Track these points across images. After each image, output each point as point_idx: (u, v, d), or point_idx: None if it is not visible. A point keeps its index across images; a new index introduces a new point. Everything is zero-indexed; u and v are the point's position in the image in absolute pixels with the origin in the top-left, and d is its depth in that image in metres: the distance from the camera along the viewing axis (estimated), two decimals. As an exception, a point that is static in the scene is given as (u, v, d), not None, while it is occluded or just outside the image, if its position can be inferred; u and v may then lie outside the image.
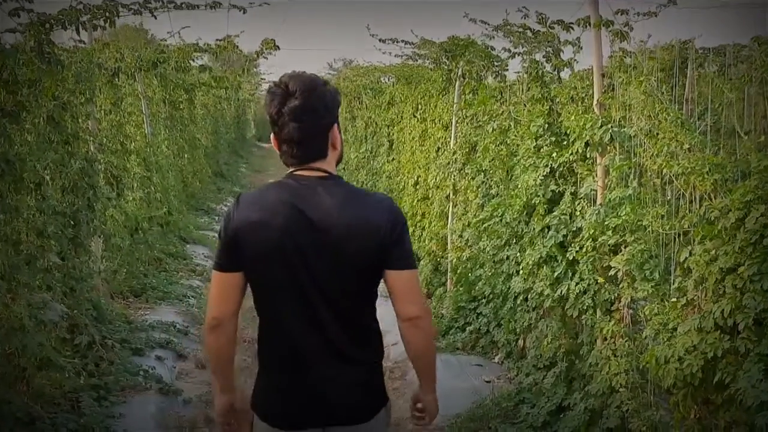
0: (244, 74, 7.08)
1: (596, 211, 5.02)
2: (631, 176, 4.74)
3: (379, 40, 8.06)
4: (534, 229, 5.94)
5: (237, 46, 7.02)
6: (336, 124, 2.66)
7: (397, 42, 8.07)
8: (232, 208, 2.63)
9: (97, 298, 7.35)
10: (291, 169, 2.63)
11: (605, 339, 5.04)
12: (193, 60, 7.13)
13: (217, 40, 6.93)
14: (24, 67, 5.40)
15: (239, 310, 2.64)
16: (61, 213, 6.41)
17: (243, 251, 2.56)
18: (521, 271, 6.07)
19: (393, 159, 12.37)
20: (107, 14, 5.32)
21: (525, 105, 6.24)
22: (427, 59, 8.66)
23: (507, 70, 7.10)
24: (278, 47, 7.05)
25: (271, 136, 2.65)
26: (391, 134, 12.67)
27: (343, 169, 17.21)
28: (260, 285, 2.62)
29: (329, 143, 2.63)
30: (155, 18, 5.53)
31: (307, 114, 2.53)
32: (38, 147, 6.05)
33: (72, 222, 6.65)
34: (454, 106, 8.27)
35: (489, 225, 6.78)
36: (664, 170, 4.32)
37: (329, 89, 2.61)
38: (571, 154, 5.42)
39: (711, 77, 5.35)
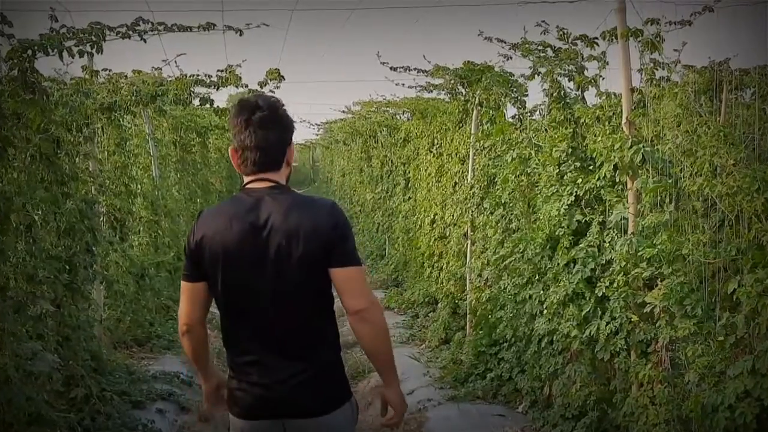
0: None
1: (628, 241, 4.63)
2: (667, 200, 4.29)
3: (390, 68, 7.69)
4: (558, 264, 5.56)
5: (240, 78, 6.64)
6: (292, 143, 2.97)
7: (409, 70, 7.68)
8: (194, 224, 2.92)
9: (97, 348, 6.98)
10: (245, 181, 2.89)
11: (641, 385, 4.64)
12: (193, 95, 6.74)
13: (218, 70, 6.57)
14: (9, 98, 5.08)
15: (206, 316, 2.95)
16: (55, 257, 6.06)
17: (203, 262, 2.82)
18: (545, 311, 5.70)
19: (409, 198, 12.11)
20: (93, 38, 4.95)
21: (546, 130, 5.82)
22: (442, 90, 8.27)
23: (527, 95, 6.68)
24: (283, 77, 6.69)
25: (230, 149, 2.92)
26: (407, 172, 12.44)
27: (360, 210, 16.95)
28: (218, 292, 2.84)
29: (285, 157, 2.90)
30: (144, 42, 5.16)
31: (273, 124, 2.84)
32: (28, 186, 5.70)
33: (68, 267, 6.28)
34: (471, 137, 7.95)
35: (510, 262, 6.43)
36: (706, 191, 3.89)
37: (289, 116, 2.94)
38: (598, 179, 5.08)
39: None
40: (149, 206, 9.86)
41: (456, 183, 8.81)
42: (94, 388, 6.24)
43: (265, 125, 2.81)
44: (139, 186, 9.38)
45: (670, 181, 4.30)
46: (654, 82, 4.50)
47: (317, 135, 26.86)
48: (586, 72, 5.32)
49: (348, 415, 2.89)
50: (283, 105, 2.91)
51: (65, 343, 6.10)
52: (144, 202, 9.68)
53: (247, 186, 2.86)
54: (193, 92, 6.70)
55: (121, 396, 6.50)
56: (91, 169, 7.26)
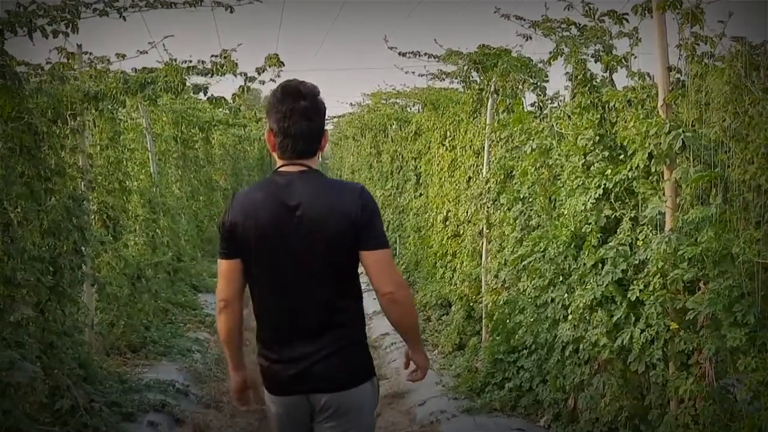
0: (243, 94, 6.17)
1: (666, 239, 4.10)
2: (714, 191, 3.75)
3: (399, 54, 7.22)
4: (585, 264, 5.06)
5: (236, 64, 6.15)
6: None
7: (419, 56, 7.20)
8: (228, 204, 3.07)
9: (86, 355, 6.58)
10: (278, 164, 3.03)
11: (682, 401, 4.17)
12: (187, 83, 6.25)
13: (212, 56, 6.08)
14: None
15: (243, 293, 3.07)
16: (38, 258, 5.64)
17: (237, 240, 2.97)
18: (570, 317, 5.21)
19: (420, 194, 11.71)
20: (67, 16, 4.47)
21: (569, 116, 5.32)
22: (455, 78, 7.79)
23: (547, 80, 6.19)
24: (282, 63, 6.21)
25: (267, 132, 3.05)
26: (418, 167, 12.03)
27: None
28: (251, 269, 3.00)
29: (319, 144, 3.05)
30: (124, 20, 4.68)
31: (315, 114, 2.99)
32: (5, 181, 5.30)
33: (52, 268, 5.87)
34: (487, 127, 7.49)
35: (529, 262, 5.92)
36: (761, 180, 3.35)
37: (324, 103, 3.05)
38: (630, 169, 4.56)
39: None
40: (146, 204, 9.44)
41: (470, 177, 8.40)
42: (81, 398, 5.87)
43: (308, 115, 2.95)
44: (135, 183, 8.97)
45: (716, 170, 3.77)
46: (695, 58, 3.98)
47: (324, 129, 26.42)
48: (614, 51, 4.80)
49: (369, 392, 3.05)
50: (319, 92, 3.03)
51: (49, 351, 5.74)
52: (141, 199, 9.25)
53: (280, 169, 3.01)
54: (186, 80, 6.21)
55: (110, 407, 6.13)
56: (80, 165, 6.85)
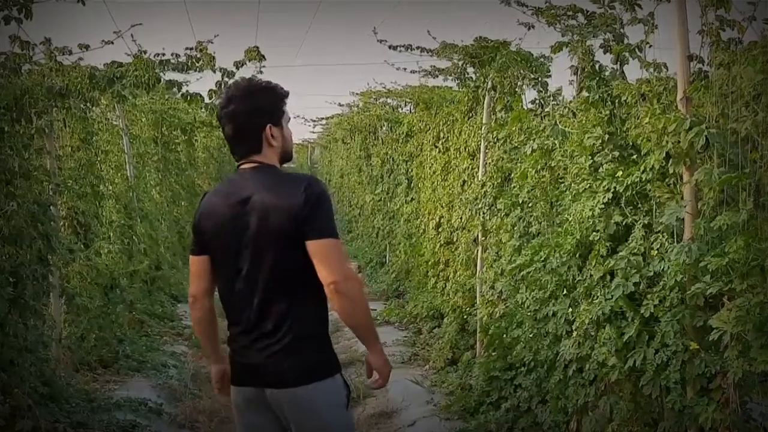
0: (221, 90, 5.79)
1: (686, 249, 3.70)
2: (743, 195, 3.33)
3: (389, 47, 6.84)
4: (591, 276, 4.66)
5: (214, 57, 5.74)
6: (272, 125, 3.07)
7: (411, 49, 6.82)
8: (198, 203, 3.21)
9: (51, 372, 6.23)
10: (238, 163, 3.13)
11: (701, 430, 3.78)
12: (162, 78, 5.84)
13: (187, 48, 5.67)
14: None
15: (212, 289, 3.19)
16: None
17: (201, 237, 3.11)
18: (574, 333, 4.80)
19: (412, 199, 11.39)
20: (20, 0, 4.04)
21: (575, 113, 4.93)
22: (450, 75, 7.41)
23: (549, 76, 5.81)
24: (263, 56, 5.82)
25: None
26: (409, 170, 11.75)
27: (359, 214, 16.21)
28: (214, 265, 3.12)
29: (263, 141, 3.07)
30: (83, 4, 4.26)
31: (241, 117, 3.05)
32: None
33: (12, 279, 5.52)
34: (483, 127, 7.14)
35: (529, 272, 5.56)
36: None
37: (270, 95, 3.10)
38: (644, 171, 4.15)
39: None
40: (122, 209, 9.03)
41: (465, 181, 8.07)
42: (44, 419, 5.57)
43: (234, 118, 3.05)
44: (109, 186, 8.54)
45: (745, 171, 3.35)
46: (720, 45, 3.57)
47: (313, 132, 26.11)
48: (626, 41, 4.40)
49: (329, 392, 3.02)
50: (259, 88, 3.08)
51: (9, 369, 5.41)
52: (116, 204, 8.83)
53: (239, 167, 3.11)
54: (160, 75, 5.80)
55: (76, 428, 5.82)
56: (48, 167, 6.46)
